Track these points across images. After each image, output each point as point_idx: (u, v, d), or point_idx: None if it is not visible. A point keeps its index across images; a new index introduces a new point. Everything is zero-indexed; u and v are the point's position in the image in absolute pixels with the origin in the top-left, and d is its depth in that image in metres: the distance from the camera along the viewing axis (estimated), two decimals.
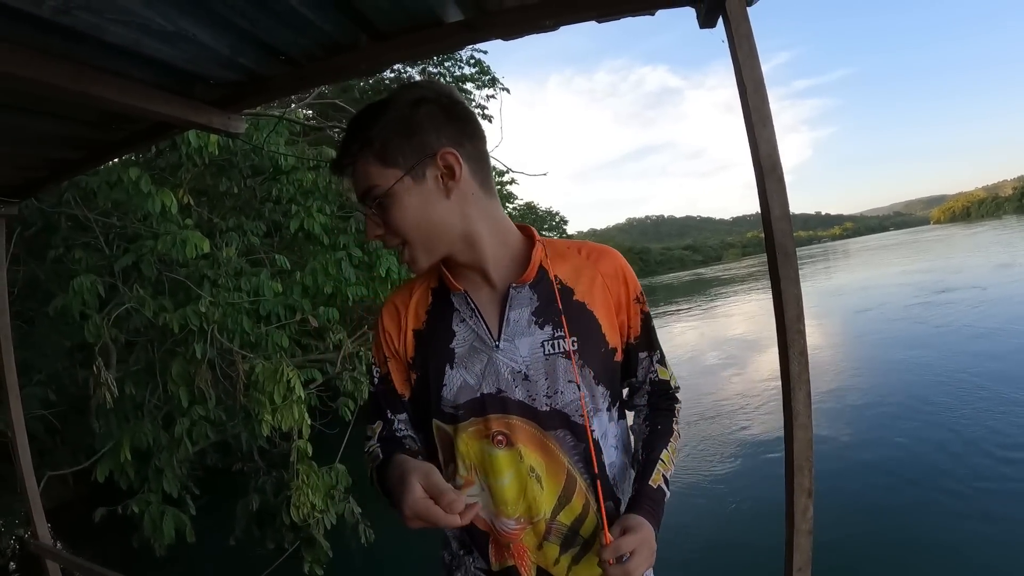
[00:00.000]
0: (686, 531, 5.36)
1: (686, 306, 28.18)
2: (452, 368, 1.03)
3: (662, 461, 1.09)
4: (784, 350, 1.13)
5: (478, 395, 1.01)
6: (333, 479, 4.29)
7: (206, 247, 3.96)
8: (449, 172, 0.96)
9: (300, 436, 4.03)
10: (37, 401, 4.74)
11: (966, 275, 22.21)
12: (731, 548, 5.12)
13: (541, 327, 1.02)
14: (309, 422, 4.03)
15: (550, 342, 1.01)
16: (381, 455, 1.05)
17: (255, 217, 5.74)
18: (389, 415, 1.12)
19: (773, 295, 1.19)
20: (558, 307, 1.03)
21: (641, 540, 0.94)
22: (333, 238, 5.13)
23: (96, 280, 3.83)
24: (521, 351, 1.01)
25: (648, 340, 1.14)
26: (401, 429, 1.12)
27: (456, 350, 1.04)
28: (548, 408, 1.01)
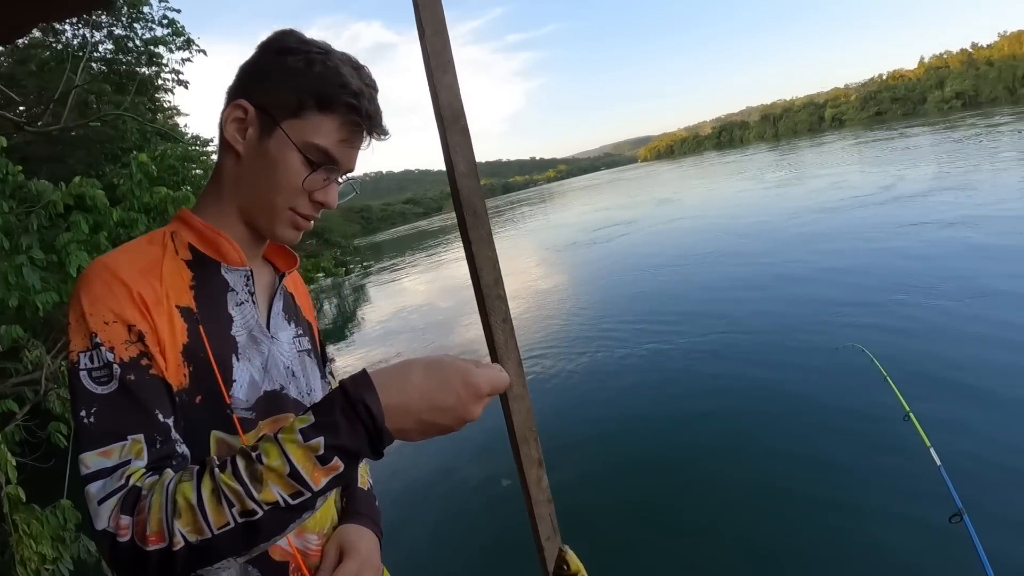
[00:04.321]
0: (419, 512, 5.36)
1: (411, 258, 28.53)
2: (239, 360, 0.84)
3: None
4: (486, 319, 1.03)
5: (263, 393, 0.86)
6: (60, 519, 3.71)
7: None
8: None
9: (8, 482, 3.45)
10: None
11: (636, 211, 27.60)
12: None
13: (289, 322, 0.97)
14: (14, 463, 3.47)
15: (297, 339, 0.97)
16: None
17: None
18: (160, 418, 0.72)
19: (467, 260, 1.08)
20: (294, 302, 1.02)
21: (363, 563, 0.91)
22: (13, 239, 4.29)
23: None
24: (284, 345, 0.93)
25: (324, 351, 1.13)
26: (179, 442, 0.73)
27: (237, 338, 0.85)
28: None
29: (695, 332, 8.53)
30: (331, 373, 1.14)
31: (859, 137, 51.15)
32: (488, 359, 1.02)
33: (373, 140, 0.92)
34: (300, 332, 0.99)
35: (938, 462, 2.61)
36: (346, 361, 11.05)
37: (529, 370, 7.94)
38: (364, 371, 0.66)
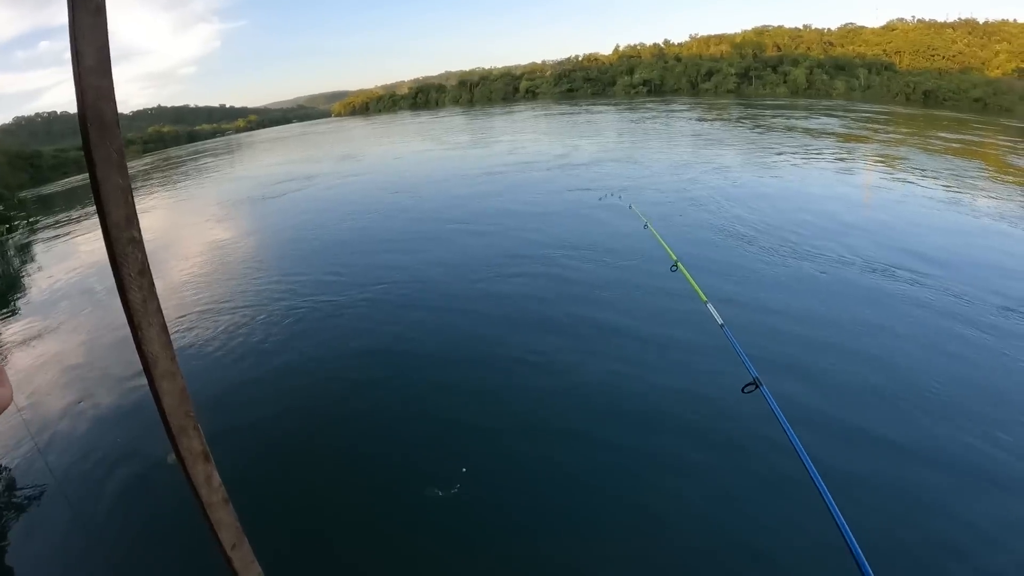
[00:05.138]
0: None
1: (85, 212, 24.68)
2: None
3: None
4: (117, 271, 0.75)
5: None
6: None
7: None
8: None
9: None
10: None
11: (319, 166, 28.27)
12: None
13: None
14: None
15: None
16: None
17: None
18: None
19: (92, 189, 0.77)
20: None
21: None
22: None
23: None
24: None
25: None
26: None
27: None
28: None
29: (368, 283, 9.06)
30: None
31: (548, 110, 56.74)
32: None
33: None
34: None
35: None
36: (11, 331, 9.66)
37: (184, 339, 7.11)
38: None
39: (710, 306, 3.14)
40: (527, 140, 29.35)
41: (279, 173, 27.75)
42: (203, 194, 26.04)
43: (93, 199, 0.77)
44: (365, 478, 4.43)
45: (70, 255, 15.87)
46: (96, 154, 0.75)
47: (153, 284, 0.77)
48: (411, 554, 3.76)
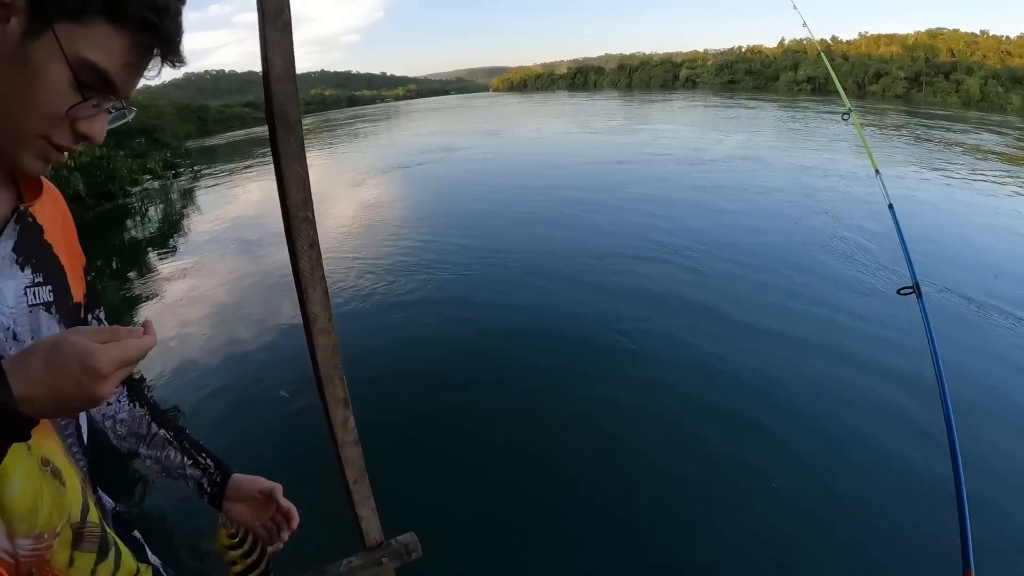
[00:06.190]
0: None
1: (244, 165, 27.12)
2: None
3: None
4: (292, 243, 0.92)
5: None
6: None
7: None
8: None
9: None
10: None
11: (464, 139, 28.53)
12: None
13: (23, 267, 0.77)
14: None
15: (33, 289, 0.78)
16: None
17: None
18: None
19: (276, 175, 0.95)
20: (37, 242, 0.81)
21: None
22: None
23: None
24: (7, 299, 0.75)
25: (94, 296, 0.97)
26: None
27: None
28: None
29: (513, 259, 8.94)
30: (101, 319, 0.98)
31: (707, 101, 54.12)
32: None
33: (164, 67, 0.76)
34: (39, 279, 0.79)
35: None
36: (167, 268, 10.28)
37: (339, 301, 7.73)
38: None
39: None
40: (672, 129, 28.25)
41: (425, 143, 28.33)
42: (354, 158, 27.02)
43: (276, 184, 0.95)
44: (486, 454, 4.63)
45: (226, 203, 16.94)
46: (281, 148, 0.92)
47: (320, 255, 0.94)
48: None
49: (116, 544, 0.86)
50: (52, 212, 0.86)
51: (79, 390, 0.60)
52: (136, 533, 0.96)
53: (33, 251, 0.79)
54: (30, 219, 0.80)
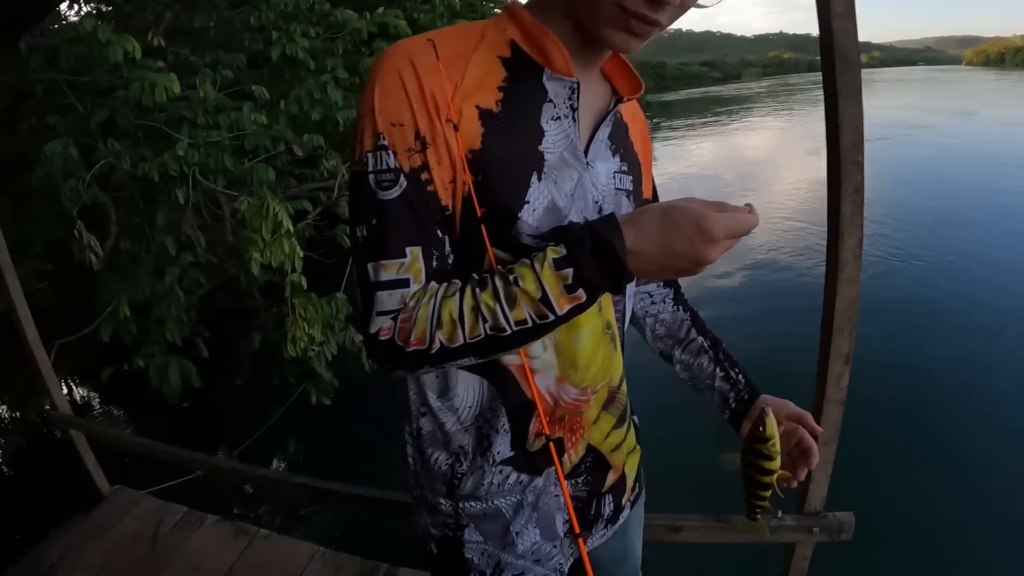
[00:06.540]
0: None
1: (700, 122, 28.41)
2: (540, 180, 0.73)
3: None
4: (836, 185, 0.90)
5: (565, 223, 0.75)
6: (332, 309, 4.20)
7: (176, 87, 3.69)
8: None
9: (293, 270, 3.92)
10: (35, 275, 4.62)
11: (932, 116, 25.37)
12: None
13: (613, 154, 0.85)
14: (302, 254, 3.92)
15: (619, 175, 0.85)
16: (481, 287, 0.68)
17: (236, 49, 5.52)
18: (439, 233, 0.72)
19: (826, 115, 0.94)
20: (625, 136, 0.88)
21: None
22: (319, 62, 4.78)
23: (68, 142, 3.62)
24: (600, 177, 0.81)
25: (657, 198, 1.01)
26: (451, 256, 0.74)
27: (546, 156, 0.74)
28: None
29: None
30: None
31: None
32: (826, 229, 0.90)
33: None
34: (624, 169, 0.86)
35: None
36: None
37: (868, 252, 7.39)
38: (612, 215, 0.68)
39: None
40: None
41: (888, 118, 25.42)
42: (808, 125, 25.93)
43: (825, 124, 0.93)
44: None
45: (680, 157, 18.12)
46: (839, 85, 0.89)
47: (863, 200, 0.90)
48: None
49: (630, 418, 0.96)
50: (632, 114, 0.92)
51: (689, 250, 0.65)
52: (635, 417, 1.07)
53: (622, 142, 0.86)
54: (619, 115, 0.86)
